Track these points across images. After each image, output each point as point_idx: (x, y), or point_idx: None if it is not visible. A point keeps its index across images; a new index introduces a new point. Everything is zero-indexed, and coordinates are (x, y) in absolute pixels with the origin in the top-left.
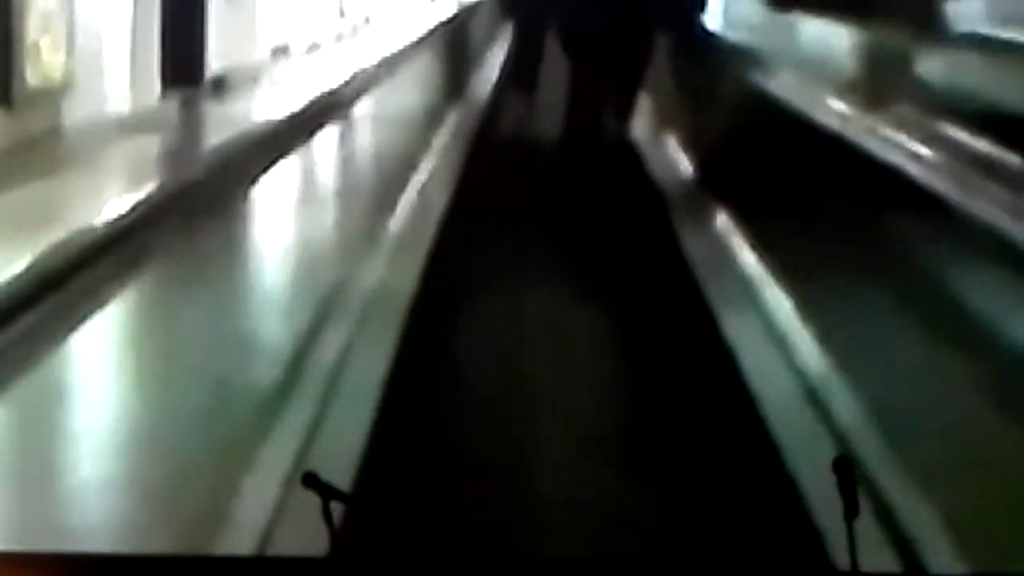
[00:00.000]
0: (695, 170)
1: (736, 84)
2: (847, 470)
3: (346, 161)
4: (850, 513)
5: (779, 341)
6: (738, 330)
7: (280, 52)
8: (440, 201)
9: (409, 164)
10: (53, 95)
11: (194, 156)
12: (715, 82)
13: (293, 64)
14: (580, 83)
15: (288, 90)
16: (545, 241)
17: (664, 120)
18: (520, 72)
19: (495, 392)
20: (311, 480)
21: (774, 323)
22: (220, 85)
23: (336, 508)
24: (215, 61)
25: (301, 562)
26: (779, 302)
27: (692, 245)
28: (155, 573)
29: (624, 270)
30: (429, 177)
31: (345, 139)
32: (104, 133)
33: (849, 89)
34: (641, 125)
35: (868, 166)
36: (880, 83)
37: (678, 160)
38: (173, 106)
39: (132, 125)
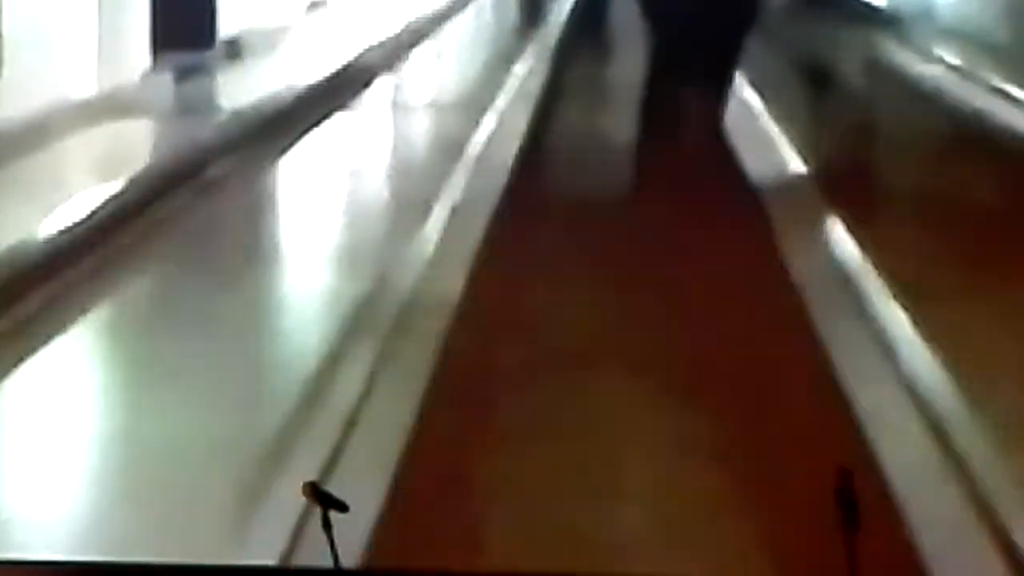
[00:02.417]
0: (805, 168)
1: (866, 58)
2: (848, 483)
3: (385, 147)
4: (850, 527)
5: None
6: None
7: (317, 6)
8: (489, 203)
9: (451, 155)
10: None
11: (155, 158)
12: (836, 57)
13: (331, 18)
14: (659, 60)
15: (322, 51)
16: (616, 249)
17: (768, 107)
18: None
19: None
20: (312, 490)
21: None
22: (235, 48)
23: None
24: (236, 19)
25: (301, 573)
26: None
27: (797, 255)
28: None
29: (713, 282)
30: (476, 177)
31: (391, 114)
32: (42, 127)
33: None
34: (737, 112)
35: None
36: None
37: (783, 155)
38: (161, 81)
39: (91, 112)
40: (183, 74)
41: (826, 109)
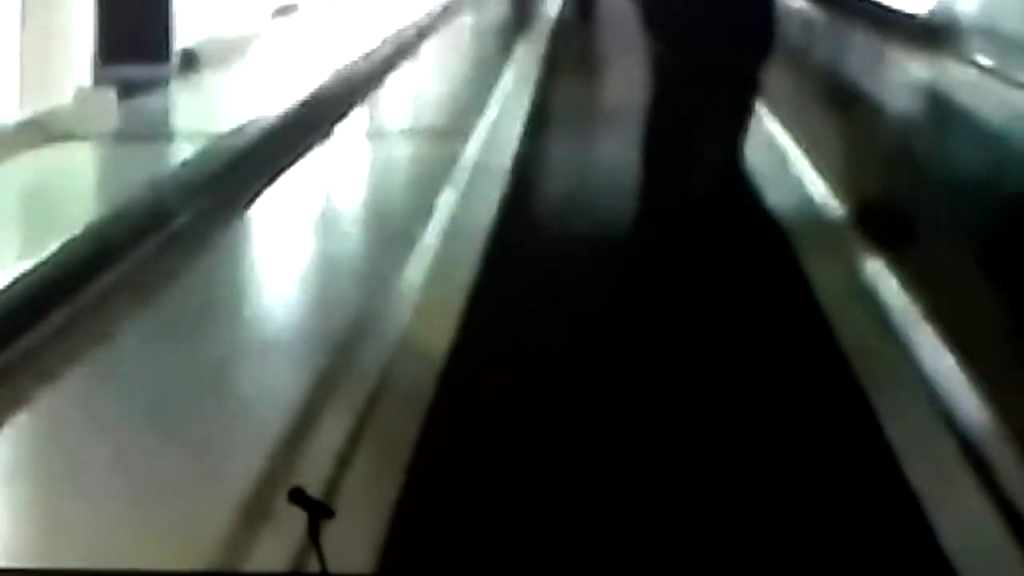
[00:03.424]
0: (841, 203)
1: (907, 79)
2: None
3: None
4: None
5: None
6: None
7: (286, 11)
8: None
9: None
10: None
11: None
12: (871, 78)
13: (302, 26)
14: (664, 84)
15: (292, 64)
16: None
17: (796, 136)
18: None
19: None
20: (298, 496)
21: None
22: (193, 61)
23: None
24: (194, 27)
25: None
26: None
27: (832, 305)
28: None
29: (735, 340)
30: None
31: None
32: None
33: None
34: (759, 141)
35: None
36: None
37: (815, 190)
38: (100, 101)
39: (7, 142)
40: (128, 92)
41: (862, 138)
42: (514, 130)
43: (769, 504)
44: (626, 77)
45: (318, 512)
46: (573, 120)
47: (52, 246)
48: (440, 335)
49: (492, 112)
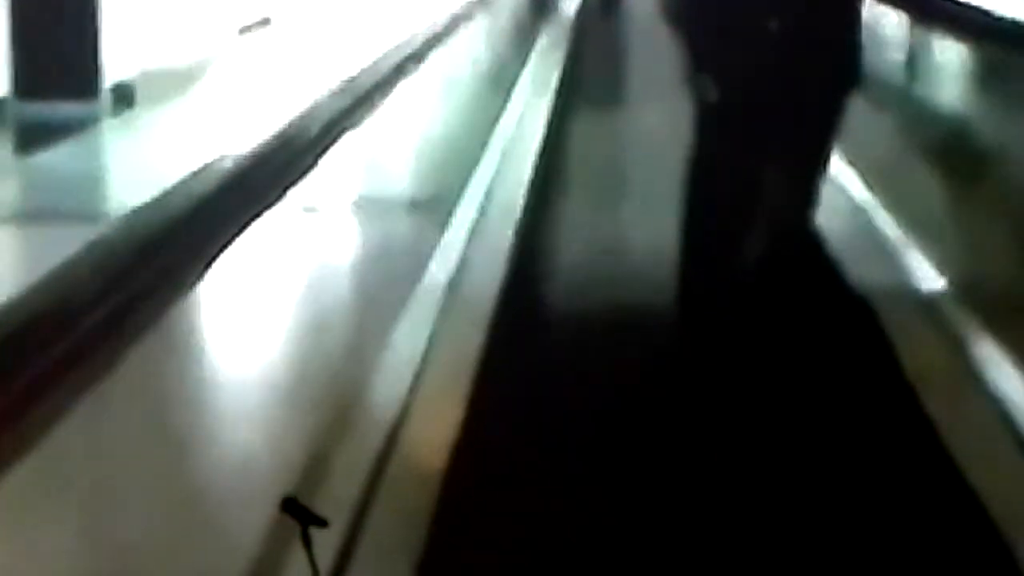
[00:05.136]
0: (936, 272)
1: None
2: (292, 506)
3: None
4: (308, 523)
5: None
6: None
7: (254, 28)
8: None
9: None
10: None
11: None
12: (985, 115)
13: (269, 47)
14: (714, 128)
15: (257, 94)
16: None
17: (877, 194)
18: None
19: None
20: (290, 505)
21: None
22: (125, 97)
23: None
24: (140, 47)
25: None
26: None
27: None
28: None
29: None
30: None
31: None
32: None
33: None
34: (834, 205)
35: None
36: None
37: (904, 259)
38: None
39: None
40: (31, 142)
41: (970, 196)
42: (517, 194)
43: None
44: (659, 102)
45: (310, 521)
46: (593, 174)
47: None
48: None
49: (484, 175)
